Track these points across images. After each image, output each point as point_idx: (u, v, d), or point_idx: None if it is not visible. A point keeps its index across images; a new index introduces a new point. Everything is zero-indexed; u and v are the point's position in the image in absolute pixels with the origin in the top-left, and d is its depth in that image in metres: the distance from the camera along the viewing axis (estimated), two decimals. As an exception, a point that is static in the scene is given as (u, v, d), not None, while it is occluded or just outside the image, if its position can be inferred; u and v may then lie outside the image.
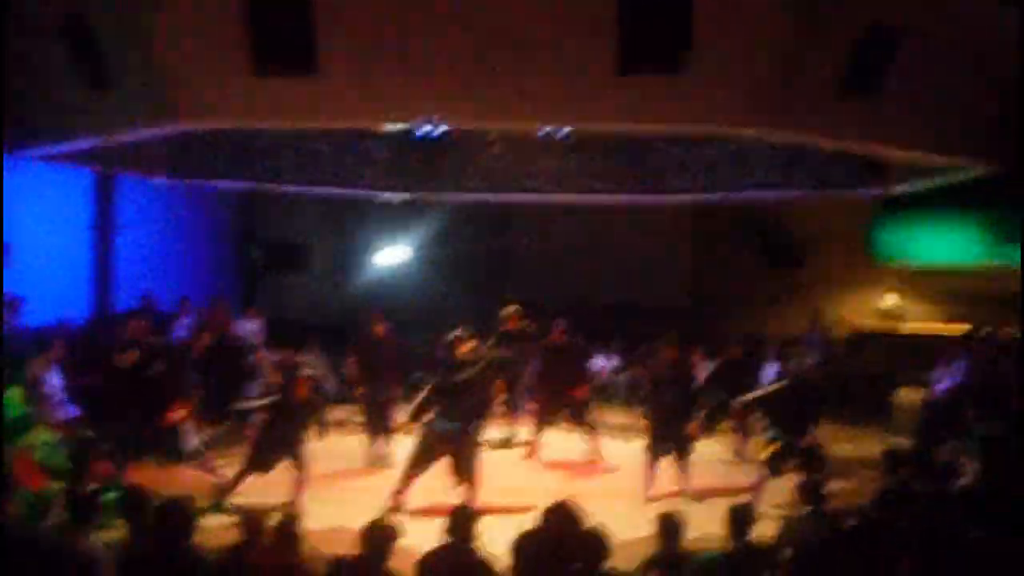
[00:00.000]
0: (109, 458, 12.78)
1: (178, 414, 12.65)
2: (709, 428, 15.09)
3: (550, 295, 21.19)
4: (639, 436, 16.59)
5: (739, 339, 15.98)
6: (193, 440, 12.84)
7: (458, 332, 12.61)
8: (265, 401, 12.65)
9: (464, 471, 12.11)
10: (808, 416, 12.78)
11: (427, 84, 10.30)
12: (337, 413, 16.98)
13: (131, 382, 12.65)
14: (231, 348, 15.60)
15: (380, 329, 14.87)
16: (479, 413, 12.45)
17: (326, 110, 10.76)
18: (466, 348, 12.44)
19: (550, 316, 15.90)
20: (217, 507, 11.96)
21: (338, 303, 21.69)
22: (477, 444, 12.39)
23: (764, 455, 12.75)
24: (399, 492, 12.19)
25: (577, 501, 6.65)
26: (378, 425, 14.81)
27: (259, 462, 12.28)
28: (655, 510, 8.57)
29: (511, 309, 16.07)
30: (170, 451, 12.75)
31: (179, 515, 7.20)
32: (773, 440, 12.74)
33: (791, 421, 12.64)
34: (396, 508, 11.84)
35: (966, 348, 15.96)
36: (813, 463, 12.31)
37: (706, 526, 10.23)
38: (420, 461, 12.22)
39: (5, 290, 13.46)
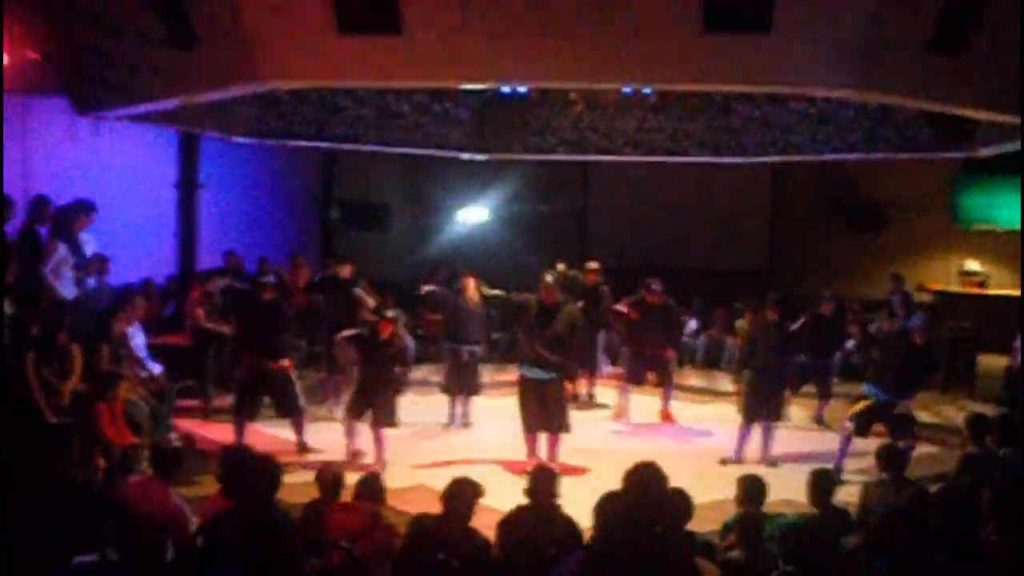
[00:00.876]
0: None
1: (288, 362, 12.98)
2: (796, 390, 15.08)
3: (627, 256, 21.18)
4: (717, 399, 16.64)
5: (828, 297, 15.60)
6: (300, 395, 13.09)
7: (548, 278, 12.46)
8: (355, 332, 12.80)
9: (556, 421, 12.13)
10: (912, 381, 12.65)
11: (510, 44, 10.25)
12: (416, 372, 17.10)
13: (267, 320, 12.99)
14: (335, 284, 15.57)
15: (470, 283, 14.77)
16: (568, 363, 12.40)
17: (409, 70, 10.72)
18: (553, 296, 12.29)
19: (627, 277, 15.87)
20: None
21: (418, 263, 21.78)
22: (567, 395, 12.39)
23: (852, 411, 12.60)
24: (530, 449, 12.24)
25: (658, 463, 6.61)
26: (459, 383, 14.81)
27: (354, 406, 12.44)
28: (737, 473, 8.56)
29: (592, 264, 16.04)
30: (283, 400, 13.00)
31: (269, 472, 7.29)
32: (864, 397, 12.60)
33: (893, 382, 12.49)
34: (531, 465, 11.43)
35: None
36: (902, 430, 12.26)
37: (786, 491, 10.24)
38: (529, 412, 12.21)
39: (95, 250, 13.65)
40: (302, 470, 11.54)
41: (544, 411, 12.11)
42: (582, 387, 15.59)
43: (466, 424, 14.72)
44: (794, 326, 13.70)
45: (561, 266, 15.79)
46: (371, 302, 14.83)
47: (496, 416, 14.32)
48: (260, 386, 12.93)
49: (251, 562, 6.86)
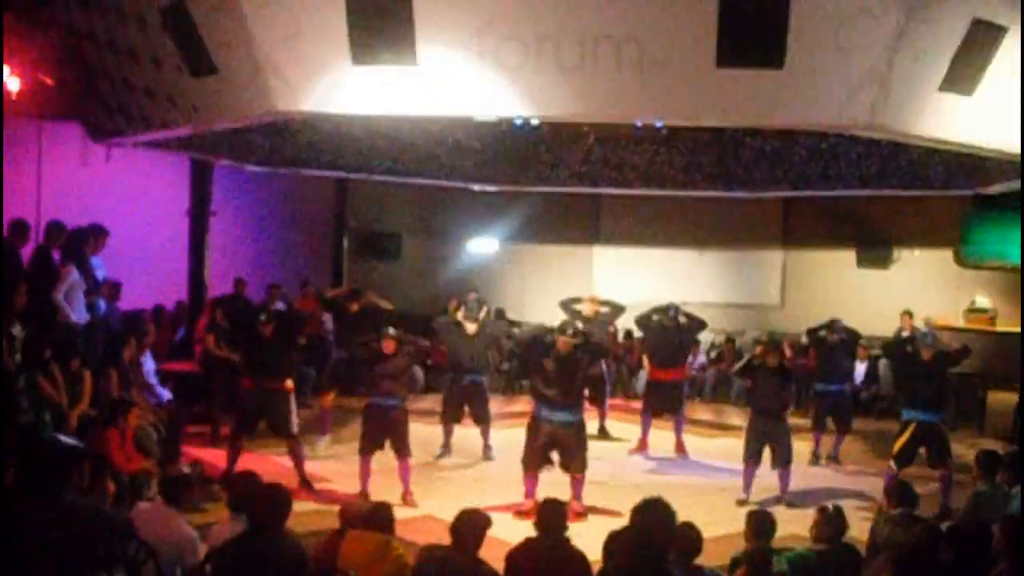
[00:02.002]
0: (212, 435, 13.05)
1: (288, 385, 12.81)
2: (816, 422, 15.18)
3: (637, 289, 21.19)
4: (726, 433, 16.61)
5: (834, 324, 15.42)
6: (296, 421, 12.96)
7: (570, 331, 12.03)
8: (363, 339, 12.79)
9: (576, 461, 11.91)
10: (939, 396, 12.75)
11: (524, 77, 10.31)
12: (423, 403, 17.08)
13: (267, 349, 12.74)
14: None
15: (471, 321, 14.59)
16: (581, 399, 12.36)
17: (422, 101, 10.80)
18: (569, 347, 11.86)
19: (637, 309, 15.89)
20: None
21: (428, 293, 21.83)
22: (584, 433, 12.22)
23: (895, 450, 12.59)
24: (528, 492, 11.89)
25: (666, 497, 6.60)
26: (457, 413, 14.71)
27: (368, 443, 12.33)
28: (745, 507, 8.54)
29: (590, 295, 15.87)
30: (278, 421, 12.79)
31: (279, 500, 7.28)
32: (905, 427, 12.61)
33: (925, 398, 12.53)
34: (526, 509, 11.33)
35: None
36: (939, 456, 12.33)
37: (795, 526, 10.22)
38: (536, 453, 11.94)
39: (105, 275, 13.68)
40: (311, 500, 11.58)
41: (554, 453, 11.96)
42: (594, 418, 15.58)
43: (488, 458, 14.58)
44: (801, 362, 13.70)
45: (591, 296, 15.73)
46: (387, 304, 14.87)
47: (505, 447, 14.24)
48: (259, 409, 12.72)
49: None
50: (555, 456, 11.97)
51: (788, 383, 13.23)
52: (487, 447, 14.69)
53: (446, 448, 14.70)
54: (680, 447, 15.36)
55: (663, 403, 15.46)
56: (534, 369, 12.06)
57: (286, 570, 7.01)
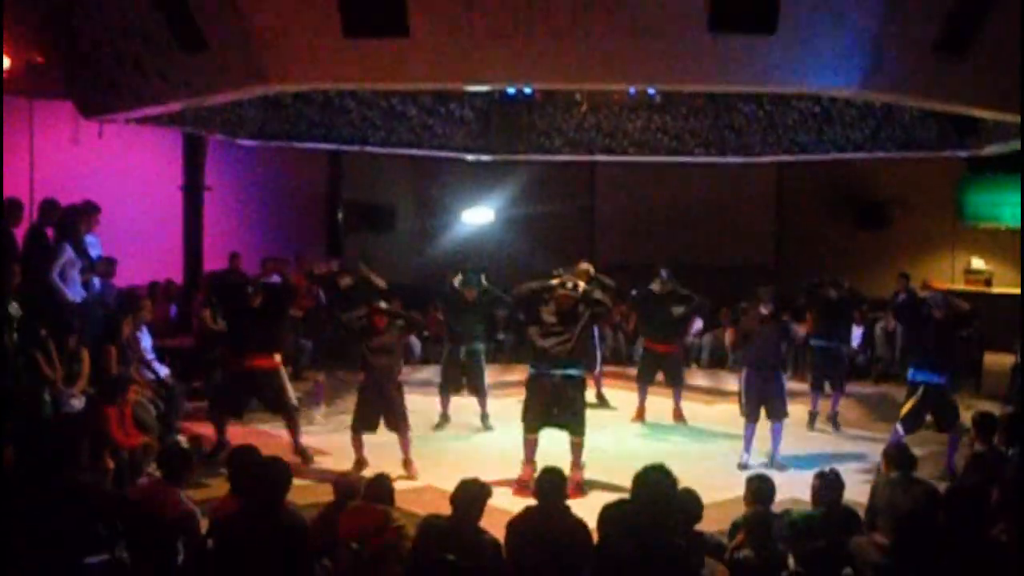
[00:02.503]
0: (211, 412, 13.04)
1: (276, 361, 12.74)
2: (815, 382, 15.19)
3: (634, 256, 21.19)
4: (723, 399, 16.64)
5: (829, 279, 15.23)
6: (292, 394, 12.95)
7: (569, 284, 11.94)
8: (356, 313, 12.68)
9: (575, 422, 11.78)
10: (949, 357, 12.73)
11: (516, 45, 10.26)
12: (422, 374, 17.10)
13: (255, 323, 12.62)
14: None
15: (470, 290, 14.59)
16: (582, 355, 12.25)
17: (414, 72, 10.73)
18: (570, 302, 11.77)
19: (634, 277, 15.86)
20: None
21: (423, 264, 21.84)
22: (584, 394, 12.12)
23: (903, 412, 12.52)
24: (527, 457, 11.75)
25: (666, 464, 6.61)
26: (451, 382, 14.77)
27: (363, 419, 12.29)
28: (746, 473, 8.56)
29: (583, 265, 15.18)
30: (271, 398, 12.79)
31: (279, 474, 7.30)
32: (912, 390, 12.52)
33: (935, 359, 12.46)
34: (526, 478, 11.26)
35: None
36: (949, 420, 12.35)
37: (794, 490, 10.27)
38: (536, 411, 11.74)
39: (100, 253, 13.66)
40: (309, 473, 11.61)
41: (558, 411, 11.71)
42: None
43: (487, 428, 14.61)
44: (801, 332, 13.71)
45: (585, 265, 15.57)
46: (379, 281, 14.83)
47: (504, 417, 14.27)
48: (244, 384, 12.68)
49: (262, 564, 6.89)
50: (556, 413, 11.70)
51: (786, 336, 13.26)
52: (485, 416, 14.71)
53: (444, 418, 14.72)
54: (678, 414, 15.39)
55: (660, 374, 15.50)
56: (532, 320, 11.85)
57: (287, 544, 7.04)
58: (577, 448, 11.74)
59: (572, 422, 11.71)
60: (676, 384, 15.47)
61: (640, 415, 15.43)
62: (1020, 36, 10.57)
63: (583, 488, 11.35)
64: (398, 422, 12.17)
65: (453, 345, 14.77)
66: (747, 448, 12.91)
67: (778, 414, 12.85)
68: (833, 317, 15.14)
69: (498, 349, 20.00)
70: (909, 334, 13.70)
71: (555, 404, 11.65)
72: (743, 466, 12.51)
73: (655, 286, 15.28)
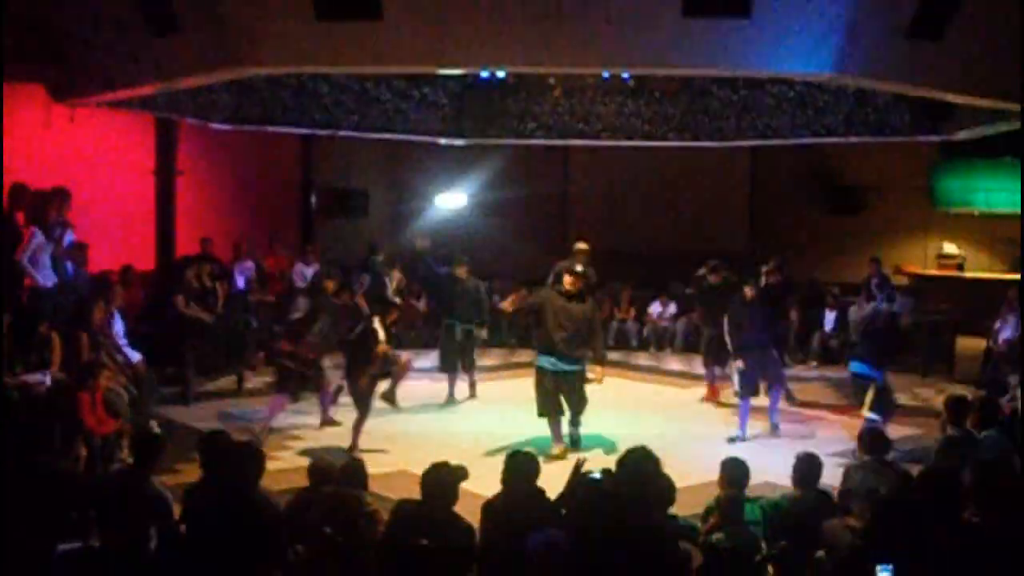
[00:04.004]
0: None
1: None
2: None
3: (607, 241, 21.19)
4: (697, 383, 16.66)
5: (776, 263, 14.72)
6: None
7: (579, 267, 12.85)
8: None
9: (576, 404, 12.51)
10: (890, 354, 13.06)
11: (489, 29, 10.25)
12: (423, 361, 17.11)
13: None
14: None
15: (463, 271, 15.14)
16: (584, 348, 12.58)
17: (388, 55, 10.72)
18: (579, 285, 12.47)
19: (607, 261, 15.87)
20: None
21: (396, 249, 21.78)
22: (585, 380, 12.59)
23: (867, 406, 12.62)
24: (556, 433, 12.43)
25: (644, 447, 6.63)
26: (454, 360, 15.16)
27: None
28: (726, 454, 8.54)
29: (581, 245, 15.42)
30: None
31: (252, 458, 7.28)
32: (861, 382, 12.85)
33: (878, 357, 12.77)
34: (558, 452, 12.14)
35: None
36: (886, 404, 12.47)
37: (767, 473, 10.29)
38: (548, 401, 12.43)
39: (72, 238, 13.56)
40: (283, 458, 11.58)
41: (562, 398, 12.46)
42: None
43: (473, 396, 15.28)
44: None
45: (582, 244, 15.53)
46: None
47: (494, 398, 14.78)
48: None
49: (235, 549, 6.86)
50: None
51: (775, 311, 13.45)
52: (472, 384, 15.38)
53: (451, 397, 15.14)
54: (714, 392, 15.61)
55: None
56: (540, 321, 12.41)
57: (261, 528, 7.02)
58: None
59: (575, 404, 12.57)
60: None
61: (714, 394, 15.55)
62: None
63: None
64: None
65: (450, 321, 15.18)
66: (742, 426, 13.16)
67: (778, 379, 13.55)
68: (715, 303, 14.93)
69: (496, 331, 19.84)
70: (867, 333, 13.58)
71: (559, 392, 12.43)
72: (736, 439, 12.90)
73: (712, 278, 15.32)
